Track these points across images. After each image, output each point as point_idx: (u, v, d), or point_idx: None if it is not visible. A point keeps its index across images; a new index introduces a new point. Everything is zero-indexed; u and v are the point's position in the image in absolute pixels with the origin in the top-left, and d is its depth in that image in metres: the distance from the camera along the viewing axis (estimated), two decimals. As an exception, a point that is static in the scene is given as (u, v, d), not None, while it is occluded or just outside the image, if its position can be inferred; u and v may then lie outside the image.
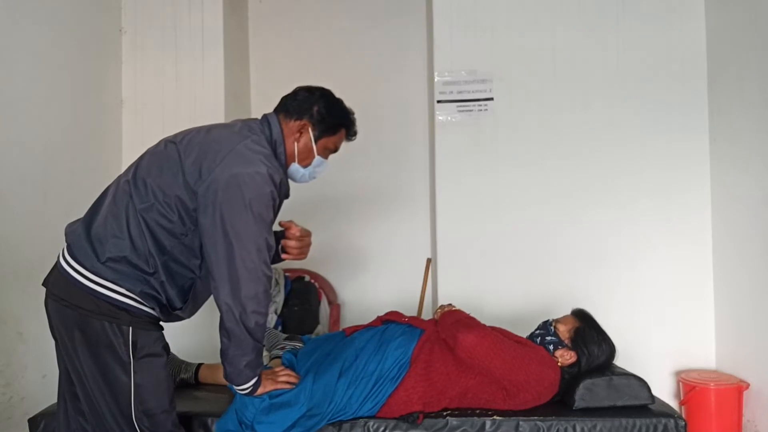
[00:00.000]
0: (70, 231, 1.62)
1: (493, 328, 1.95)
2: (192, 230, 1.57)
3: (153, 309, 1.58)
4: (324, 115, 1.71)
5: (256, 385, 1.66)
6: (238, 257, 1.51)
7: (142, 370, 1.54)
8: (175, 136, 1.68)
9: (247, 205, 1.50)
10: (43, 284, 1.65)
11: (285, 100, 1.77)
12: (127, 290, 1.53)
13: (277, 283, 3.29)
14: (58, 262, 1.61)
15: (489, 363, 1.78)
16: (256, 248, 1.53)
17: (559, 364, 1.88)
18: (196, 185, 1.52)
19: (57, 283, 1.58)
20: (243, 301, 1.53)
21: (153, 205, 1.54)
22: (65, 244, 1.62)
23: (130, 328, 1.53)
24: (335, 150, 1.80)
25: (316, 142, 1.72)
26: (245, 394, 1.68)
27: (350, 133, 1.80)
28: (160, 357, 1.59)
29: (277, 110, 1.76)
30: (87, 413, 1.59)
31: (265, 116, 1.74)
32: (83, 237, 1.56)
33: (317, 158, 1.75)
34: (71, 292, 1.53)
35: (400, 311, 2.21)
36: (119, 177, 1.67)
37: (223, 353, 1.60)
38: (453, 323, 1.91)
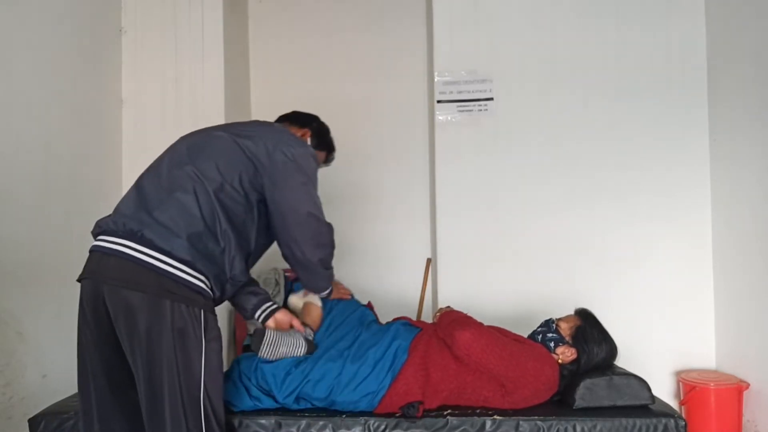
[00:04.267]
0: (130, 219, 1.61)
1: (491, 327, 1.95)
2: (252, 208, 1.72)
3: (215, 294, 1.66)
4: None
5: (330, 292, 2.05)
6: (316, 213, 1.79)
7: (209, 354, 1.59)
8: (212, 128, 1.85)
9: (312, 173, 1.80)
10: (89, 276, 1.62)
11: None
12: (201, 273, 1.60)
13: (278, 283, 3.29)
14: (115, 250, 1.58)
15: (485, 360, 1.79)
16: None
17: (559, 361, 1.88)
18: (264, 159, 1.71)
19: (123, 269, 1.56)
20: (325, 247, 1.85)
21: (222, 184, 1.66)
22: (125, 231, 1.59)
23: (203, 311, 1.60)
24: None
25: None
26: (326, 296, 2.05)
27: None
28: (219, 341, 1.66)
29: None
30: (145, 402, 1.57)
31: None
32: (153, 223, 1.59)
33: None
34: (146, 276, 1.55)
35: (400, 311, 2.21)
36: (168, 164, 1.72)
37: (307, 279, 1.94)
38: (450, 322, 1.93)
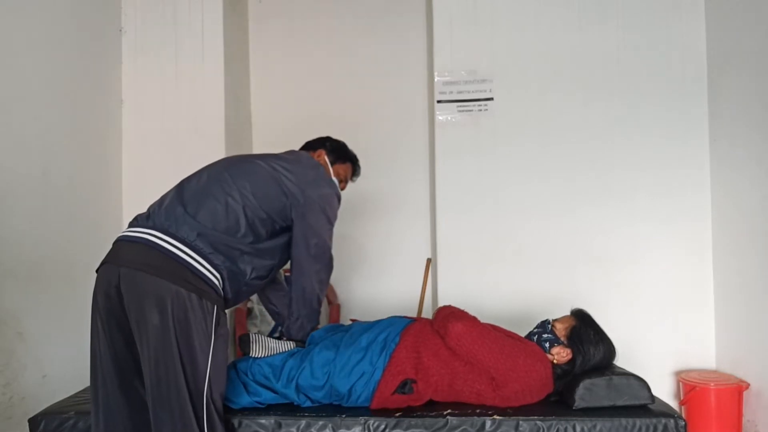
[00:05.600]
0: (163, 213, 1.70)
1: (487, 324, 1.97)
2: (276, 231, 1.84)
3: (227, 294, 1.72)
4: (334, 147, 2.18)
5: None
6: (326, 250, 1.94)
7: (216, 349, 1.64)
8: (254, 155, 1.96)
9: (333, 214, 1.95)
10: (110, 260, 1.67)
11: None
12: (217, 270, 1.67)
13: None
14: (141, 238, 1.65)
15: (475, 351, 1.81)
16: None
17: (555, 361, 1.89)
18: (300, 197, 1.84)
19: (144, 254, 1.62)
20: (326, 283, 1.99)
21: (251, 204, 1.77)
22: (157, 224, 1.67)
23: (215, 306, 1.65)
24: (346, 181, 2.21)
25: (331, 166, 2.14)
26: (300, 342, 2.01)
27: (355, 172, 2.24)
28: (226, 339, 1.72)
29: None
30: (151, 390, 1.59)
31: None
32: (183, 218, 1.68)
33: (333, 179, 2.09)
34: (166, 263, 1.61)
35: (400, 311, 2.22)
36: (207, 177, 1.82)
37: (299, 322, 1.98)
38: (445, 315, 1.96)
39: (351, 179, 2.24)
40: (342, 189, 2.14)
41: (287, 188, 1.83)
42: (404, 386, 1.80)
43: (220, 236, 1.69)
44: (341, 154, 2.17)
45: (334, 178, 2.10)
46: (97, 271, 1.71)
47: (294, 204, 1.83)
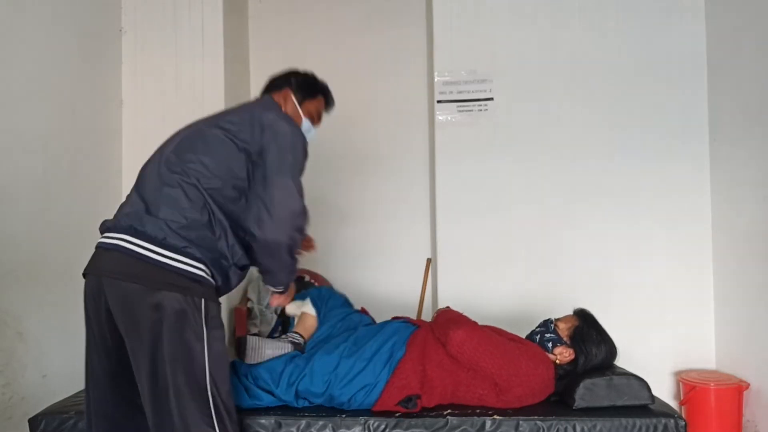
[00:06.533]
0: (129, 215, 1.65)
1: (487, 327, 1.96)
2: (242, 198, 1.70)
3: (216, 281, 1.66)
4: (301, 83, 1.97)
5: (286, 289, 1.90)
6: (293, 193, 1.68)
7: (211, 342, 1.59)
8: (204, 122, 1.83)
9: (298, 155, 1.73)
10: (90, 271, 1.65)
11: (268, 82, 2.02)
12: (198, 260, 1.60)
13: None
14: (114, 245, 1.62)
15: (477, 358, 1.80)
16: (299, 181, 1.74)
17: (557, 361, 1.89)
18: (258, 137, 1.69)
19: (121, 262, 1.58)
20: (301, 230, 1.73)
21: (210, 179, 1.65)
22: (123, 226, 1.63)
23: (203, 300, 1.59)
24: (319, 117, 2.02)
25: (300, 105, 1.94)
26: (280, 293, 1.89)
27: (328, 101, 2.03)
28: (222, 329, 1.65)
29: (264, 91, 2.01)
30: (149, 397, 1.57)
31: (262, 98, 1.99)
32: (149, 217, 1.61)
33: (305, 121, 1.94)
34: (143, 268, 1.56)
35: (401, 312, 2.22)
36: (158, 161, 1.73)
37: (269, 275, 1.80)
38: (445, 321, 1.95)
39: (325, 111, 2.04)
40: (316, 125, 2.00)
41: (239, 142, 1.68)
42: (408, 401, 1.78)
43: (189, 225, 1.60)
44: (310, 89, 1.97)
45: (306, 119, 1.94)
46: (83, 276, 1.69)
47: (252, 151, 1.68)
